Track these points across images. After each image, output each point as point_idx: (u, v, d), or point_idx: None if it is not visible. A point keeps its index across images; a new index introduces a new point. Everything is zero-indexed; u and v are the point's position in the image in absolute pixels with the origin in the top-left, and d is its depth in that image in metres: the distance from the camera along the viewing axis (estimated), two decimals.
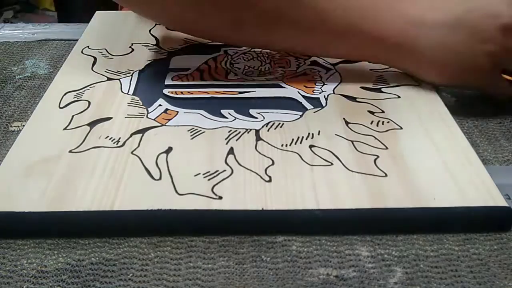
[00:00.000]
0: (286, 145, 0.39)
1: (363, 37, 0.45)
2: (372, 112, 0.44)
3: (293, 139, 0.40)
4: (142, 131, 0.41)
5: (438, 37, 0.44)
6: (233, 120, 0.43)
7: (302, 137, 0.40)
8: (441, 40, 0.44)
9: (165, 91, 0.47)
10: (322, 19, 0.45)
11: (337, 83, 0.48)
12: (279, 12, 0.44)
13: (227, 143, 0.40)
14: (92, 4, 0.91)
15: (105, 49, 0.54)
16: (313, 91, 0.47)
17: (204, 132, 0.41)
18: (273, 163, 0.38)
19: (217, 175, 0.36)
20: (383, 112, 0.44)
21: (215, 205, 0.34)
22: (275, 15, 0.45)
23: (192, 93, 0.47)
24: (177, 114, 0.44)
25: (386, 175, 0.36)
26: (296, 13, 0.44)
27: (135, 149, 0.39)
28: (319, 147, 0.39)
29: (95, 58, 0.52)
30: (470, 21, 0.44)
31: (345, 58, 0.51)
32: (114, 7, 0.72)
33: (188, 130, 0.41)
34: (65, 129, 0.41)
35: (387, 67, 0.51)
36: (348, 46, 0.47)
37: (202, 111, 0.44)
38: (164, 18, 0.50)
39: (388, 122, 0.42)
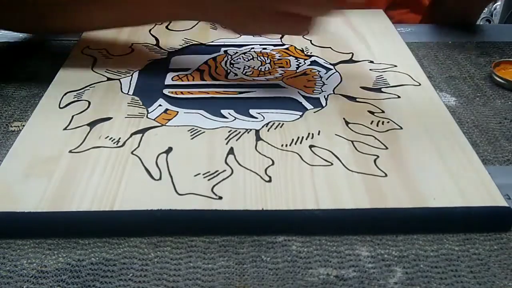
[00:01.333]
0: (286, 145, 0.39)
1: None
2: (372, 112, 0.44)
3: (293, 139, 0.40)
4: (142, 131, 0.41)
5: None
6: (233, 120, 0.43)
7: (302, 137, 0.40)
8: None
9: (165, 91, 0.47)
10: None
11: (337, 83, 0.48)
12: None
13: (227, 143, 0.40)
14: None
15: (105, 49, 0.54)
16: (313, 91, 0.47)
17: (204, 132, 0.41)
18: (273, 163, 0.38)
19: (217, 175, 0.36)
20: (383, 112, 0.44)
21: (215, 205, 0.34)
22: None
23: (192, 93, 0.47)
24: (177, 114, 0.44)
25: (386, 175, 0.36)
26: None
27: (135, 149, 0.39)
28: (319, 147, 0.39)
29: (95, 58, 0.52)
30: None
31: (150, 22, 0.52)
32: None
33: (188, 130, 0.41)
34: (65, 129, 0.41)
35: (387, 67, 0.51)
36: (144, 11, 0.48)
37: (202, 111, 0.44)
38: None
39: (388, 122, 0.42)
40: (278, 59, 0.53)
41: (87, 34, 0.58)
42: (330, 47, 0.55)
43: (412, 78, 0.49)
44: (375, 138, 0.40)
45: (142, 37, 0.58)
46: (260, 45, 0.56)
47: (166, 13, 0.48)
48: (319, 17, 0.44)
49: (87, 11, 0.48)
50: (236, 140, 0.40)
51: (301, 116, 0.43)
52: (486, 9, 1.90)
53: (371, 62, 0.52)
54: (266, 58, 0.53)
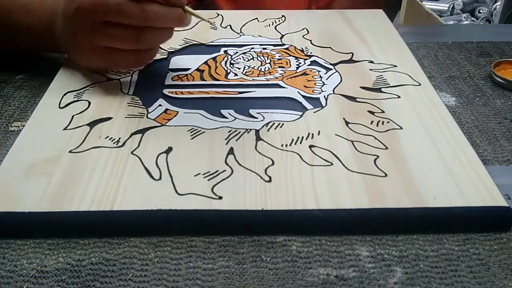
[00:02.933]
0: (286, 145, 0.39)
1: (23, 30, 0.50)
2: (372, 112, 0.44)
3: (293, 139, 0.40)
4: (142, 131, 0.41)
5: (61, 25, 0.47)
6: (233, 120, 0.43)
7: (302, 137, 0.40)
8: (63, 28, 0.47)
9: (165, 91, 0.47)
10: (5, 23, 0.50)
11: (337, 83, 0.48)
12: None
13: (227, 143, 0.40)
14: None
15: None
16: (313, 91, 0.47)
17: (204, 132, 0.41)
18: (273, 163, 0.38)
19: (217, 175, 0.36)
20: (383, 112, 0.44)
21: (215, 205, 0.34)
22: None
23: (192, 93, 0.47)
24: (177, 114, 0.44)
25: (386, 175, 0.36)
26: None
27: (135, 149, 0.39)
28: (319, 147, 0.39)
29: None
30: (65, 9, 0.46)
31: (28, 52, 0.54)
32: None
33: (188, 130, 0.41)
34: (65, 129, 0.41)
35: (387, 67, 0.51)
36: (22, 41, 0.52)
37: (202, 111, 0.44)
38: None
39: (388, 122, 0.42)
40: (278, 59, 0.53)
41: None
42: (330, 47, 0.55)
43: (412, 78, 0.49)
44: (375, 138, 0.40)
45: None
46: (260, 45, 0.56)
47: (38, 46, 0.52)
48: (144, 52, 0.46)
49: None
50: (236, 140, 0.40)
51: (301, 116, 0.43)
52: (486, 9, 1.90)
53: (371, 62, 0.52)
54: (266, 58, 0.53)
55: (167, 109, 0.44)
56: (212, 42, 0.57)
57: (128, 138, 0.40)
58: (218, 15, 0.62)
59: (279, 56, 0.54)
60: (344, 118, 0.43)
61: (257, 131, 0.41)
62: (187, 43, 0.56)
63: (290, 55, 0.54)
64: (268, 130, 0.41)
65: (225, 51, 0.54)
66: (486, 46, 0.59)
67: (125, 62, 0.47)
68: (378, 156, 0.38)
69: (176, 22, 0.44)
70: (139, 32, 0.43)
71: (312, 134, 0.41)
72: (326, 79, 0.49)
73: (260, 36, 0.58)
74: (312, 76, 0.50)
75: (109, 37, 0.44)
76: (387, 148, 0.39)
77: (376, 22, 0.61)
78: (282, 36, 0.58)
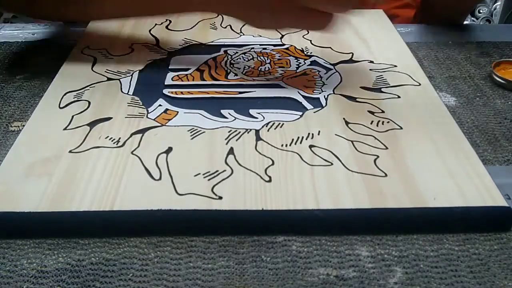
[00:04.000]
0: (286, 145, 0.39)
1: None
2: (372, 112, 0.44)
3: (293, 139, 0.40)
4: (142, 131, 0.41)
5: None
6: (233, 120, 0.43)
7: (302, 137, 0.40)
8: None
9: (165, 91, 0.47)
10: None
11: (337, 83, 0.48)
12: None
13: (227, 143, 0.40)
14: None
15: (105, 49, 0.54)
16: (313, 91, 0.47)
17: (204, 132, 0.41)
18: (273, 163, 0.38)
19: (217, 175, 0.36)
20: (383, 112, 0.44)
21: (215, 205, 0.34)
22: None
23: (192, 93, 0.47)
24: (177, 114, 0.44)
25: (386, 175, 0.36)
26: None
27: (135, 149, 0.39)
28: (319, 147, 0.39)
29: (95, 58, 0.52)
30: None
31: (175, 12, 0.52)
32: None
33: (188, 130, 0.41)
34: (65, 129, 0.41)
35: (387, 67, 0.51)
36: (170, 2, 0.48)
37: (202, 111, 0.44)
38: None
39: (388, 122, 0.42)
40: (278, 59, 0.53)
41: (87, 34, 0.58)
42: (330, 47, 0.55)
43: (412, 78, 0.49)
44: (375, 138, 0.40)
45: (142, 37, 0.58)
46: (260, 45, 0.56)
47: (198, 2, 0.48)
48: (338, 15, 0.44)
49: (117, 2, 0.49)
50: (236, 140, 0.40)
51: (301, 116, 0.43)
52: (486, 9, 1.90)
53: (371, 62, 0.52)
54: (266, 58, 0.53)
55: (167, 109, 0.44)
56: (212, 42, 0.57)
57: (128, 138, 0.40)
58: (218, 15, 0.62)
59: (279, 56, 0.54)
60: (344, 118, 0.43)
61: (257, 131, 0.41)
62: (187, 43, 0.56)
63: (290, 55, 0.54)
64: (268, 130, 0.41)
65: (225, 51, 0.54)
66: (486, 46, 0.59)
67: (318, 24, 0.45)
68: (378, 156, 0.38)
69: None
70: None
71: (312, 134, 0.41)
72: (326, 79, 0.49)
73: (260, 36, 0.58)
74: (312, 76, 0.50)
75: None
76: (387, 148, 0.39)
77: (376, 22, 0.61)
78: (282, 36, 0.58)
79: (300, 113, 0.44)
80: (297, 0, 0.42)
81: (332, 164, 0.38)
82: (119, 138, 0.40)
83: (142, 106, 0.45)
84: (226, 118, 0.43)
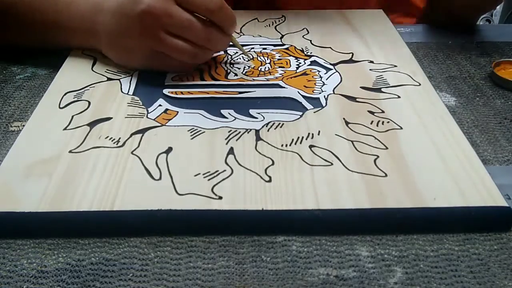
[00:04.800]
0: (286, 145, 0.39)
1: (64, 28, 0.51)
2: (372, 112, 0.44)
3: (293, 139, 0.40)
4: (142, 131, 0.41)
5: (109, 23, 0.48)
6: (233, 120, 0.43)
7: (302, 137, 0.40)
8: (110, 26, 0.48)
9: (165, 91, 0.47)
10: (35, 18, 0.51)
11: (337, 83, 0.48)
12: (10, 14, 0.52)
13: (227, 143, 0.40)
14: None
15: None
16: (313, 91, 0.47)
17: (204, 132, 0.41)
18: (273, 163, 0.38)
19: (217, 175, 0.36)
20: (383, 112, 0.44)
21: (215, 205, 0.34)
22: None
23: (192, 93, 0.47)
24: (177, 114, 0.44)
25: (386, 175, 0.36)
26: (19, 14, 0.52)
27: (135, 149, 0.39)
28: (319, 147, 0.39)
29: (95, 58, 0.52)
30: (122, 9, 0.46)
31: (62, 45, 0.53)
32: None
33: (188, 130, 0.41)
34: (65, 129, 0.41)
35: (387, 67, 0.51)
36: (58, 37, 0.52)
37: (202, 111, 0.44)
38: None
39: (388, 122, 0.42)
40: (278, 59, 0.53)
41: None
42: (330, 47, 0.55)
43: (412, 78, 0.49)
44: (375, 138, 0.40)
45: None
46: (260, 45, 0.56)
47: (77, 42, 0.52)
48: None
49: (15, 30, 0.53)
50: (236, 140, 0.40)
51: (301, 116, 0.43)
52: None
53: (371, 62, 0.52)
54: (266, 58, 0.53)
55: (167, 109, 0.44)
56: None
57: (128, 138, 0.40)
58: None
59: (279, 56, 0.53)
60: (344, 118, 0.43)
61: (257, 131, 0.41)
62: None
63: (290, 55, 0.54)
64: (268, 130, 0.41)
65: (225, 51, 0.54)
66: (486, 46, 0.59)
67: (172, 67, 0.49)
68: (378, 156, 0.38)
69: (223, 47, 0.49)
70: (198, 49, 0.46)
71: (312, 134, 0.41)
72: (326, 79, 0.49)
73: (260, 36, 0.58)
74: (312, 76, 0.50)
75: (169, 47, 0.46)
76: (387, 148, 0.39)
77: (376, 22, 0.61)
78: (282, 36, 0.58)
79: (300, 113, 0.44)
80: (151, 45, 0.46)
81: (332, 164, 0.38)
82: (119, 138, 0.40)
83: (142, 106, 0.45)
84: (226, 118, 0.43)
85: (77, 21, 0.50)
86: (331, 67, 0.51)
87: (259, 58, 0.53)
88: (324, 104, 0.45)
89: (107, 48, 0.50)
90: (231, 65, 0.52)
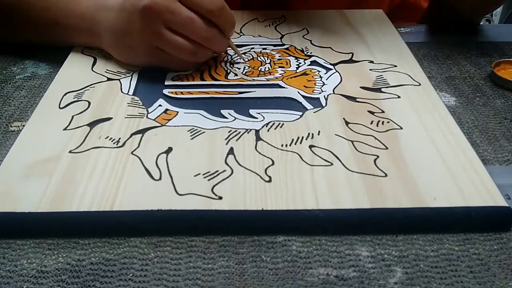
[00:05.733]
0: (286, 145, 0.39)
1: (65, 26, 0.51)
2: (372, 112, 0.44)
3: (293, 139, 0.40)
4: (142, 131, 0.41)
5: (111, 20, 0.48)
6: (233, 120, 0.43)
7: (302, 137, 0.40)
8: (113, 23, 0.48)
9: (165, 91, 0.47)
10: (29, 14, 0.52)
11: (337, 83, 0.48)
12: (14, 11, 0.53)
13: (227, 143, 0.40)
14: None
15: None
16: (313, 91, 0.47)
17: (204, 132, 0.41)
18: (273, 163, 0.38)
19: (217, 175, 0.36)
20: (383, 112, 0.44)
21: (215, 205, 0.34)
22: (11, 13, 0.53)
23: (192, 93, 0.47)
24: (177, 114, 0.44)
25: (386, 175, 0.36)
26: (22, 11, 0.53)
27: (135, 149, 0.39)
28: (319, 147, 0.39)
29: (95, 58, 0.52)
30: (126, 6, 0.47)
31: (67, 44, 0.54)
32: None
33: (188, 130, 0.41)
34: (65, 129, 0.41)
35: (387, 67, 0.51)
36: (60, 35, 0.53)
37: (202, 111, 0.44)
38: None
39: (388, 122, 0.42)
40: (278, 59, 0.53)
41: None
42: (330, 47, 0.55)
43: (412, 78, 0.49)
44: (375, 138, 0.40)
45: None
46: (260, 45, 0.56)
47: (81, 41, 0.53)
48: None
49: (28, 30, 0.54)
50: (236, 140, 0.40)
51: (301, 116, 0.43)
52: None
53: (371, 62, 0.52)
54: (266, 58, 0.53)
55: (167, 109, 0.44)
56: None
57: (128, 138, 0.40)
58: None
59: (279, 56, 0.54)
60: (344, 118, 0.43)
61: (257, 131, 0.41)
62: None
63: (290, 55, 0.54)
64: (268, 130, 0.41)
65: (225, 51, 0.54)
66: (486, 46, 0.59)
67: (172, 64, 0.49)
68: (378, 156, 0.38)
69: (222, 48, 0.50)
70: (198, 47, 0.47)
71: (312, 134, 0.41)
72: (326, 79, 0.49)
73: (260, 36, 0.58)
74: (312, 76, 0.50)
75: (169, 44, 0.46)
76: (387, 148, 0.39)
77: (376, 22, 0.61)
78: (282, 36, 0.58)
79: (300, 113, 0.44)
80: (153, 41, 0.46)
81: (332, 164, 0.38)
82: (119, 138, 0.40)
83: (142, 106, 0.45)
84: (226, 118, 0.43)
85: (78, 19, 0.50)
86: (331, 67, 0.51)
87: (259, 58, 0.53)
88: (324, 104, 0.45)
89: (109, 45, 0.50)
90: (231, 65, 0.52)
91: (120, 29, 0.48)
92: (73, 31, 0.51)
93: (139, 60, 0.50)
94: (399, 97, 0.46)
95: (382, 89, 0.47)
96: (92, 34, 0.51)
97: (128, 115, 0.43)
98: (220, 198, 0.34)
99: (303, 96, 0.46)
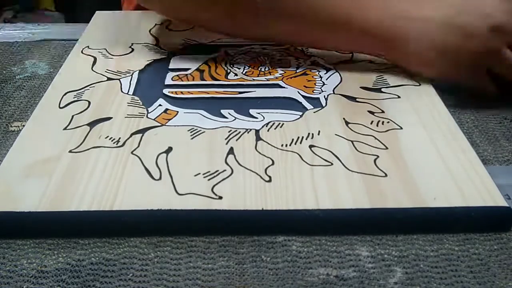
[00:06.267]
0: (286, 145, 0.39)
1: (351, 32, 0.48)
2: (372, 112, 0.44)
3: (293, 139, 0.40)
4: (142, 131, 0.41)
5: (426, 32, 0.46)
6: (233, 120, 0.43)
7: (302, 137, 0.40)
8: (429, 36, 0.46)
9: (165, 91, 0.47)
10: (314, 14, 0.47)
11: (337, 83, 0.48)
12: (271, 6, 0.47)
13: (227, 143, 0.40)
14: (97, 3, 0.91)
15: (105, 49, 0.54)
16: (313, 91, 0.47)
17: (204, 132, 0.41)
18: (273, 163, 0.38)
19: (217, 175, 0.36)
20: (383, 112, 0.44)
21: (215, 205, 0.34)
22: (268, 8, 0.47)
23: (192, 93, 0.47)
24: (177, 114, 0.44)
25: (386, 175, 0.36)
26: (289, 7, 0.47)
27: (135, 149, 0.39)
28: (319, 147, 0.39)
29: (95, 58, 0.52)
30: (461, 22, 0.45)
31: (334, 50, 0.53)
32: (117, 7, 0.73)
33: (188, 130, 0.41)
34: (65, 129, 0.41)
35: (387, 67, 0.51)
36: (337, 40, 0.50)
37: (202, 111, 0.44)
38: (166, 9, 0.54)
39: (388, 122, 0.42)
40: (278, 59, 0.53)
41: (87, 34, 0.58)
42: None
43: (412, 78, 0.49)
44: (375, 138, 0.40)
45: (142, 37, 0.58)
46: (260, 45, 0.56)
47: (359, 48, 0.51)
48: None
49: (284, 29, 0.50)
50: (236, 140, 0.40)
51: (301, 116, 0.43)
52: None
53: (371, 62, 0.52)
54: (266, 58, 0.53)
55: (167, 109, 0.44)
56: (212, 42, 0.57)
57: (128, 138, 0.40)
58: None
59: (279, 56, 0.54)
60: (344, 118, 0.43)
61: (257, 131, 0.41)
62: (187, 43, 0.56)
63: (290, 55, 0.54)
64: (268, 130, 0.41)
65: (225, 51, 0.54)
66: None
67: (490, 87, 0.48)
68: (378, 156, 0.38)
69: None
70: None
71: (312, 134, 0.41)
72: (326, 79, 0.49)
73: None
74: (312, 76, 0.50)
75: (506, 64, 0.45)
76: (387, 148, 0.39)
77: None
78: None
79: (300, 113, 0.44)
80: (486, 60, 0.45)
81: (332, 164, 0.38)
82: (119, 138, 0.40)
83: (142, 106, 0.45)
84: (226, 118, 0.43)
85: (375, 28, 0.47)
86: (331, 67, 0.51)
87: (259, 58, 0.53)
88: (324, 104, 0.45)
89: (415, 58, 0.48)
90: (231, 65, 0.52)
91: (441, 43, 0.46)
92: (358, 36, 0.48)
93: (451, 73, 0.48)
94: (399, 97, 0.46)
95: (382, 89, 0.47)
96: (387, 45, 0.48)
97: (128, 114, 0.43)
98: (220, 198, 0.34)
99: (303, 96, 0.46)
